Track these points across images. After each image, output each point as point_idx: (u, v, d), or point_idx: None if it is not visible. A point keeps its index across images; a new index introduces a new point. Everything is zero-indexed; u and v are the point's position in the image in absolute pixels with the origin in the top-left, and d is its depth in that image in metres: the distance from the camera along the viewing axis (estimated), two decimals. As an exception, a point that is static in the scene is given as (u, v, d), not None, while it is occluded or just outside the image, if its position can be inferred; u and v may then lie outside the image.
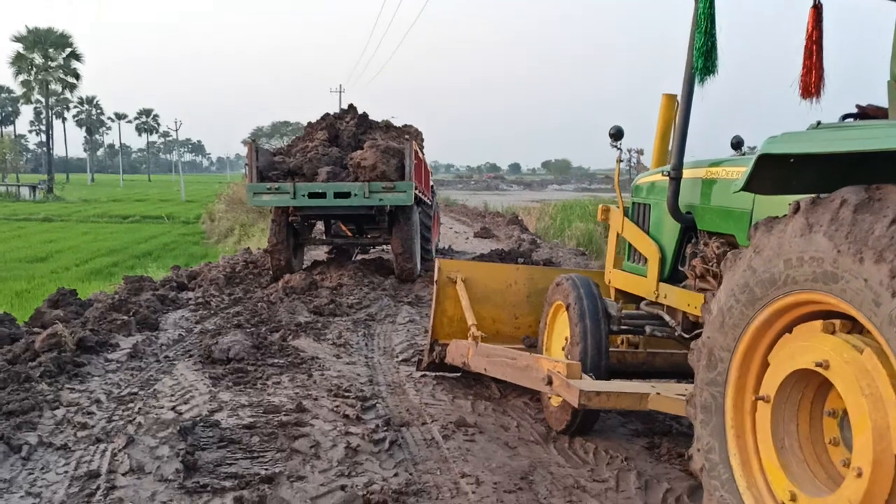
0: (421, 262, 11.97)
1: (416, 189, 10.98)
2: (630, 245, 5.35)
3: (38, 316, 8.48)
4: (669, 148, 5.74)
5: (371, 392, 5.78)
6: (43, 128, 75.22)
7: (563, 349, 5.08)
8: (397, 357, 7.14)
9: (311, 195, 10.63)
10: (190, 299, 10.02)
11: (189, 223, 42.79)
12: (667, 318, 4.78)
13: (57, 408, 5.23)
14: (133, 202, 58.08)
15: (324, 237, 13.76)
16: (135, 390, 5.74)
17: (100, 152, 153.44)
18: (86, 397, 5.48)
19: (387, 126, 12.52)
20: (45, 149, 70.64)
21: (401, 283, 11.25)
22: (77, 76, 61.57)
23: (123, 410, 5.21)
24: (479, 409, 5.40)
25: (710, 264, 4.43)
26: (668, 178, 4.61)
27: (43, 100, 63.71)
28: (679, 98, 4.52)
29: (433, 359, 6.01)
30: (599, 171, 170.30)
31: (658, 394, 3.74)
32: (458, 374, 6.15)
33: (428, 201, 13.45)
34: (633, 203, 5.37)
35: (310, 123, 12.46)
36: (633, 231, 5.25)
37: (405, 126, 12.88)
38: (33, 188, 58.87)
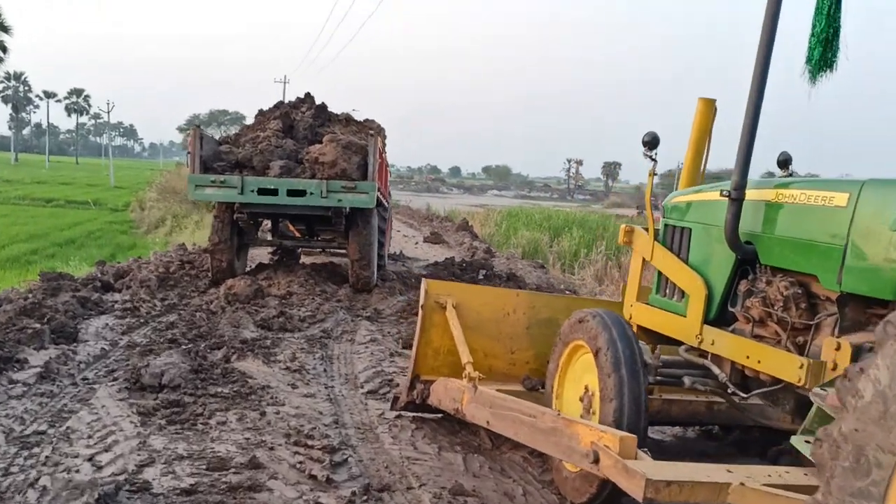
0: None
1: (378, 190, 9.97)
2: (660, 275, 4.51)
3: (-67, 318, 7.17)
4: (702, 161, 4.94)
5: (339, 439, 4.77)
6: (-37, 101, 70.73)
7: (581, 399, 4.19)
8: (362, 387, 6.14)
9: (262, 191, 9.49)
10: (116, 303, 8.78)
11: (117, 210, 40.64)
12: (715, 369, 3.94)
13: (-64, 453, 4.07)
14: (58, 185, 55.08)
15: (269, 237, 12.59)
16: (43, 427, 4.59)
17: (25, 131, 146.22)
18: (-24, 437, 4.32)
19: (347, 119, 11.42)
20: (-36, 124, 66.37)
21: (356, 293, 10.20)
22: (4, 49, 57.84)
23: (25, 459, 4.07)
24: (473, 468, 4.45)
25: (775, 307, 3.61)
26: (722, 197, 3.78)
27: (-36, 72, 59.81)
28: (747, 99, 3.67)
29: (413, 398, 5.04)
30: (538, 179, 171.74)
31: (742, 484, 2.87)
32: (440, 416, 5.20)
33: (385, 203, 12.43)
34: (666, 225, 4.52)
35: (261, 111, 11.23)
36: (666, 259, 4.40)
37: (367, 120, 11.79)
38: (-51, 165, 55.22)
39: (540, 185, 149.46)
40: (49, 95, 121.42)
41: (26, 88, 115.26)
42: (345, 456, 4.44)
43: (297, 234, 12.47)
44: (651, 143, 4.39)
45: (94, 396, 5.31)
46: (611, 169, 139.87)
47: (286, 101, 11.87)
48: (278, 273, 10.70)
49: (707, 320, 4.01)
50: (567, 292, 12.17)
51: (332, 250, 12.69)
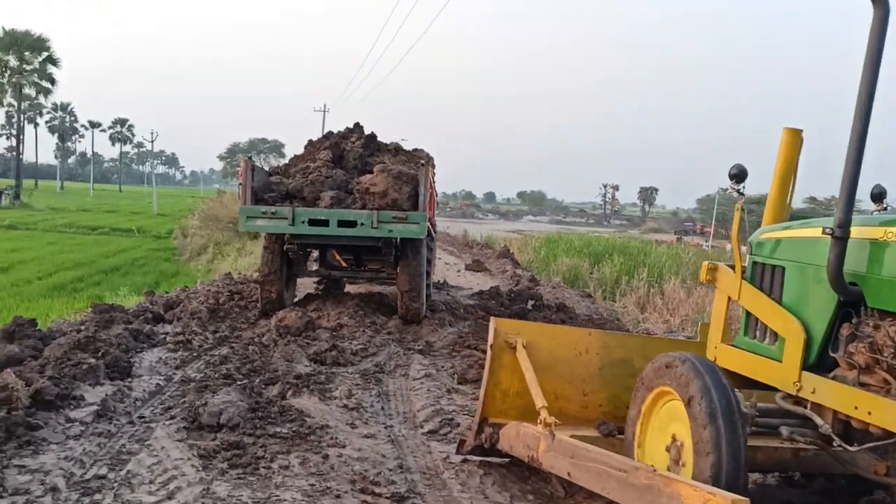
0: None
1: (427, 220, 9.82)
2: (749, 316, 4.25)
3: (-11, 351, 7.15)
4: (788, 195, 4.69)
5: (406, 485, 4.56)
6: (14, 132, 72.67)
7: (668, 450, 3.94)
8: (422, 427, 5.93)
9: (312, 222, 9.39)
10: (168, 335, 8.71)
11: (160, 238, 41.29)
12: (817, 420, 3.66)
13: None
14: (103, 213, 56.23)
15: (316, 267, 12.50)
16: (103, 471, 4.46)
17: (71, 160, 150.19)
18: (38, 481, 4.20)
19: (396, 149, 11.32)
20: (14, 154, 68.24)
21: (405, 325, 10.03)
22: (52, 81, 59.68)
23: (87, 507, 3.94)
24: (550, 520, 4.21)
25: (884, 353, 3.34)
26: (824, 235, 3.53)
27: (15, 103, 61.55)
28: (852, 127, 3.44)
29: (481, 442, 4.82)
30: (573, 205, 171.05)
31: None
32: (507, 460, 4.97)
33: (433, 233, 12.30)
34: (754, 263, 4.27)
35: (311, 142, 11.19)
36: (756, 299, 4.15)
37: (416, 150, 11.68)
38: (0, 193, 56.70)
39: (575, 210, 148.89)
40: (94, 125, 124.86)
41: (72, 119, 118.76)
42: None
43: (344, 265, 12.37)
44: (738, 176, 4.17)
45: (153, 436, 5.18)
46: (647, 194, 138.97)
47: (331, 130, 11.85)
48: (327, 304, 10.58)
49: (805, 366, 3.74)
50: (645, 332, 11.79)
51: (377, 280, 12.55)
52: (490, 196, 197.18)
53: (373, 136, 11.15)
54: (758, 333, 4.16)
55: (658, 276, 21.63)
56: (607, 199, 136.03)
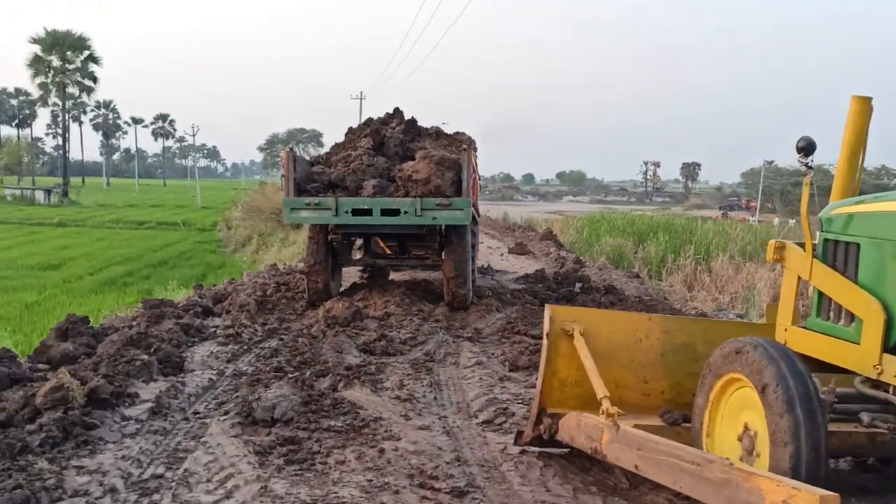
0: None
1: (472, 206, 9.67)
2: (822, 296, 4.03)
3: (44, 350, 7.24)
4: (858, 167, 4.43)
5: (465, 479, 4.45)
6: (59, 131, 74.38)
7: (740, 439, 3.76)
8: (476, 417, 5.81)
9: (356, 212, 9.32)
10: (217, 328, 8.75)
11: (205, 230, 41.85)
12: (902, 405, 3.45)
13: (59, 500, 3.96)
14: (149, 207, 57.26)
15: (359, 255, 12.46)
16: (160, 470, 4.44)
17: (116, 156, 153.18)
18: (97, 482, 4.19)
19: (437, 133, 11.16)
20: (61, 152, 69.80)
21: (452, 312, 9.92)
22: (94, 79, 60.75)
23: (146, 508, 3.91)
24: (617, 514, 4.07)
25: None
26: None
27: (60, 103, 62.86)
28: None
29: (540, 433, 4.69)
30: (614, 183, 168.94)
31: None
32: (567, 450, 4.83)
33: (477, 217, 12.14)
34: (826, 240, 4.04)
35: (351, 129, 11.09)
36: (830, 278, 3.93)
37: (457, 133, 11.50)
38: (48, 192, 58.09)
39: (616, 189, 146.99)
40: (136, 121, 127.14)
41: (115, 115, 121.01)
42: (475, 501, 4.12)
43: (388, 252, 12.29)
44: (806, 149, 3.94)
45: (208, 433, 5.16)
46: (690, 170, 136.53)
47: (371, 116, 11.72)
48: (374, 293, 10.53)
49: (886, 348, 3.53)
50: (720, 315, 11.50)
51: (421, 267, 12.46)
52: (529, 178, 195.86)
53: (413, 122, 11.01)
54: (832, 314, 3.94)
55: (705, 253, 21.17)
56: (648, 177, 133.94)
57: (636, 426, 4.14)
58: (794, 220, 42.23)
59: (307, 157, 10.90)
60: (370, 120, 11.27)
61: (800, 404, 3.30)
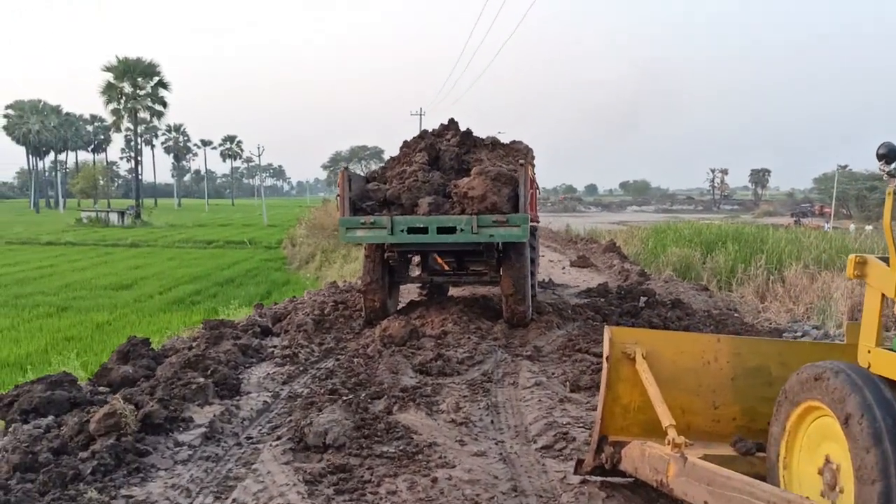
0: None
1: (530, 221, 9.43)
2: (910, 316, 3.67)
3: (105, 373, 7.33)
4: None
5: (521, 512, 4.23)
6: (132, 154, 77.13)
7: (821, 473, 3.43)
8: (535, 442, 5.57)
9: (411, 230, 9.19)
10: (275, 348, 8.73)
11: (271, 248, 42.52)
12: None
13: (106, 532, 3.89)
14: (217, 227, 58.62)
15: (418, 271, 12.34)
16: (208, 500, 4.35)
17: (186, 178, 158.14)
18: (145, 513, 4.13)
19: (493, 144, 10.95)
20: (134, 175, 72.33)
21: (511, 329, 9.69)
22: (164, 104, 62.75)
23: (192, 541, 3.81)
24: (686, 552, 3.77)
25: None
26: None
27: (132, 127, 65.19)
28: None
29: (601, 462, 4.42)
30: (680, 192, 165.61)
31: None
32: (630, 480, 4.54)
33: (535, 232, 11.87)
34: (912, 254, 3.68)
35: (406, 143, 10.98)
36: (918, 297, 3.57)
37: (513, 142, 11.25)
38: (122, 213, 60.09)
39: (682, 197, 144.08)
40: (205, 143, 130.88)
41: (185, 138, 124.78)
42: (532, 536, 3.89)
43: (446, 268, 12.14)
44: (888, 155, 3.59)
45: (259, 459, 5.06)
46: (759, 176, 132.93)
47: (425, 129, 11.60)
48: (431, 311, 10.37)
49: None
50: (788, 336, 10.94)
51: (480, 283, 12.26)
52: (591, 188, 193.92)
53: (468, 133, 10.84)
54: (921, 335, 3.58)
55: (777, 262, 20.34)
56: (716, 185, 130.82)
57: (706, 456, 3.85)
58: (871, 227, 40.45)
59: (365, 175, 10.80)
60: (424, 132, 11.15)
61: (888, 437, 2.97)
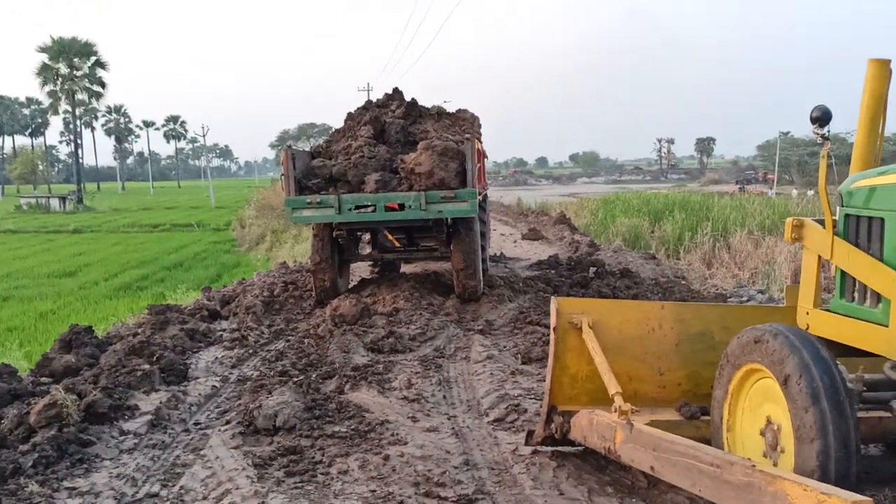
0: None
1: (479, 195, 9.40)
2: (845, 276, 3.76)
3: (47, 363, 7.12)
4: (878, 136, 4.14)
5: (473, 485, 4.23)
6: (72, 138, 74.87)
7: (762, 434, 3.51)
8: (487, 415, 5.59)
9: (359, 208, 9.08)
10: (224, 332, 8.60)
11: (219, 230, 41.79)
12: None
13: (48, 526, 3.79)
14: (163, 210, 57.37)
15: (368, 249, 12.24)
16: (155, 489, 4.27)
17: (130, 160, 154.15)
18: (88, 504, 4.02)
19: (438, 114, 10.81)
20: (74, 159, 70.17)
21: (463, 304, 9.69)
22: (103, 85, 60.88)
23: (138, 531, 3.73)
24: (634, 518, 3.83)
25: None
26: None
27: (70, 110, 63.12)
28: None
29: (551, 432, 4.45)
30: (628, 163, 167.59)
31: None
32: (580, 448, 4.59)
33: (484, 205, 11.85)
34: (847, 216, 3.76)
35: (350, 115, 10.73)
36: (852, 256, 3.65)
37: (459, 111, 11.11)
38: (63, 199, 58.35)
39: (630, 168, 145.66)
40: (148, 125, 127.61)
41: (126, 120, 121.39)
42: (484, 508, 3.90)
43: (397, 245, 12.06)
44: (821, 118, 3.66)
45: (207, 445, 4.98)
46: (705, 145, 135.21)
47: (370, 99, 11.40)
48: (382, 288, 10.32)
49: (918, 331, 3.25)
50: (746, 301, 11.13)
51: (432, 258, 12.22)
52: (542, 161, 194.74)
53: (413, 103, 10.72)
54: (857, 295, 3.67)
55: (723, 229, 20.76)
56: (663, 154, 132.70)
57: (652, 421, 3.91)
58: (812, 191, 41.52)
59: (310, 149, 10.55)
60: (369, 103, 10.99)
61: (826, 396, 3.04)
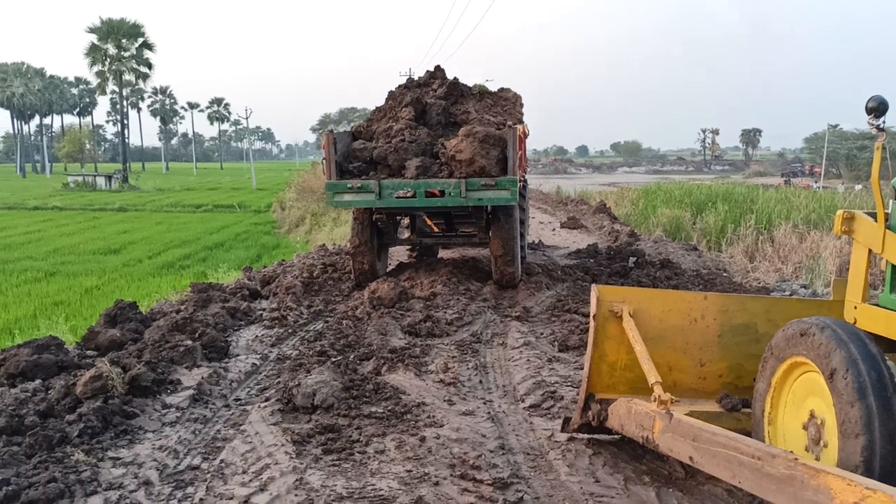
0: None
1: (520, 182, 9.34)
2: (896, 271, 3.66)
3: (92, 336, 7.29)
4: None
5: (509, 469, 4.24)
6: (119, 118, 76.24)
7: (805, 428, 3.45)
8: (523, 401, 5.59)
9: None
10: (264, 311, 8.71)
11: (260, 212, 42.28)
12: None
13: (93, 493, 3.89)
14: (206, 191, 58.19)
15: (407, 233, 12.27)
16: (196, 461, 4.35)
17: (174, 141, 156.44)
18: (132, 474, 4.13)
19: (480, 93, 10.72)
20: (121, 139, 71.48)
21: (501, 290, 9.68)
22: (150, 66, 61.78)
23: (179, 501, 3.82)
24: (671, 507, 3.80)
25: None
26: None
27: (118, 90, 64.25)
28: None
29: (588, 419, 4.44)
30: (671, 153, 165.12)
31: None
32: (617, 437, 4.57)
33: (525, 192, 11.78)
34: (901, 210, 3.66)
35: (391, 94, 10.71)
36: (907, 252, 3.55)
37: (501, 90, 11.00)
38: (109, 178, 59.57)
39: (673, 158, 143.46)
40: (192, 106, 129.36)
41: (172, 101, 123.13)
42: (519, 494, 3.91)
43: (436, 230, 12.08)
44: (878, 109, 3.55)
45: (247, 420, 5.06)
46: (750, 136, 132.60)
47: (411, 77, 11.29)
48: (420, 273, 10.35)
49: (975, 328, 3.16)
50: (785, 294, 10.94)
51: (470, 244, 12.20)
52: (582, 150, 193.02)
53: (455, 82, 10.64)
54: (910, 291, 3.58)
55: (767, 222, 20.38)
56: (707, 145, 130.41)
57: (691, 413, 3.87)
58: (860, 186, 40.52)
59: (351, 129, 10.54)
60: (410, 81, 10.93)
61: (873, 392, 2.97)
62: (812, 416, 3.39)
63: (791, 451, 2.99)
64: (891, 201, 3.73)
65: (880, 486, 2.51)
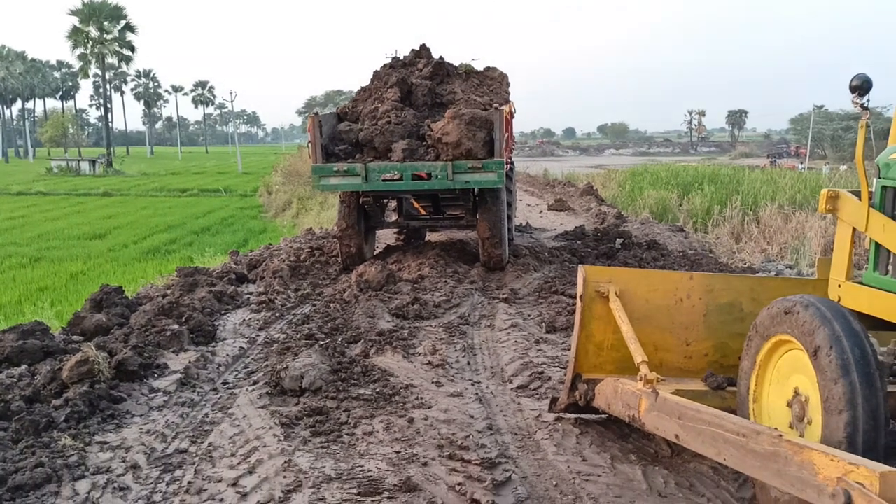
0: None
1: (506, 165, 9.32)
2: (879, 249, 3.69)
3: (78, 321, 7.25)
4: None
5: (496, 449, 4.27)
6: (102, 102, 75.49)
7: (789, 405, 3.48)
8: (511, 382, 5.62)
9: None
10: (251, 295, 8.68)
11: (246, 196, 42.05)
12: (972, 368, 3.13)
13: (81, 477, 3.89)
14: (191, 175, 57.80)
15: (394, 216, 12.25)
16: (184, 445, 4.35)
17: (158, 125, 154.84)
18: (119, 458, 4.12)
19: (467, 73, 10.67)
20: (104, 123, 70.78)
21: (488, 273, 9.70)
22: (132, 48, 61.12)
23: (168, 485, 3.82)
24: (657, 485, 3.85)
25: None
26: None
27: (100, 73, 63.54)
28: None
29: (575, 399, 4.47)
30: (657, 134, 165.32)
31: None
32: (604, 416, 4.61)
33: (512, 174, 11.77)
34: (884, 187, 3.68)
35: (376, 73, 10.63)
36: (889, 229, 3.58)
37: (487, 69, 10.96)
38: (93, 162, 58.96)
39: (660, 140, 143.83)
40: (176, 89, 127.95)
41: (155, 84, 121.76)
42: (507, 473, 3.93)
43: (423, 212, 12.06)
44: (861, 87, 3.57)
45: (235, 404, 5.06)
46: (736, 118, 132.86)
47: (396, 57, 11.15)
48: (407, 255, 10.34)
49: (955, 305, 3.20)
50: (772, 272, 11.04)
51: (457, 226, 12.19)
52: (570, 132, 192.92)
53: (441, 62, 10.58)
54: (891, 268, 3.61)
55: (752, 203, 20.49)
56: (693, 126, 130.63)
57: (677, 391, 3.90)
58: (845, 166, 40.75)
59: (336, 111, 10.44)
60: (395, 61, 10.85)
61: (856, 368, 3.00)
62: (796, 393, 3.43)
63: (775, 428, 3.02)
64: (875, 180, 3.76)
65: (863, 461, 2.54)
